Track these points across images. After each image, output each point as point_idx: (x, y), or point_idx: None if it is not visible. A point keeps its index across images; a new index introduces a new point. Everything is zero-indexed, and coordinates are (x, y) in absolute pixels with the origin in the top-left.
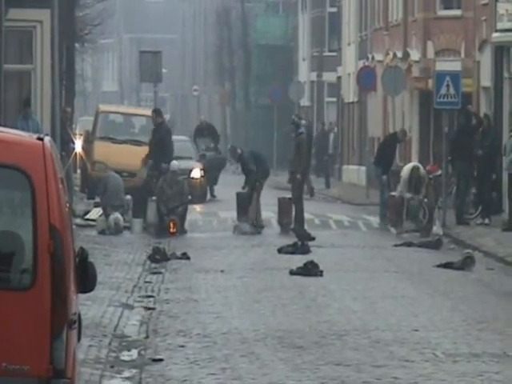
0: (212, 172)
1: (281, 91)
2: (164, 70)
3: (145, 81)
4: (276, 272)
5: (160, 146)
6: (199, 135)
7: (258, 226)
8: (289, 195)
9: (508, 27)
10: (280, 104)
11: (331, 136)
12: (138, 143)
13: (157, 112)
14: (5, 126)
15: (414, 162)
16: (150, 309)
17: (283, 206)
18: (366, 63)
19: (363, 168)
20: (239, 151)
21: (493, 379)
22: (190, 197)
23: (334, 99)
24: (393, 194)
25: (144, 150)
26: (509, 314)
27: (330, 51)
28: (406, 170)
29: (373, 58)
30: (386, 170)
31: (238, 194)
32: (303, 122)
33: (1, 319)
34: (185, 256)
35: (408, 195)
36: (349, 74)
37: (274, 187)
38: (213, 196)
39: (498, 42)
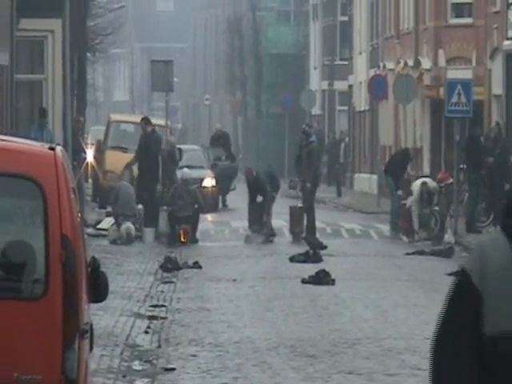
0: (224, 181)
1: (292, 100)
2: (175, 80)
3: (156, 90)
4: (288, 281)
5: (155, 155)
6: (215, 144)
7: (269, 235)
8: (300, 204)
9: None
10: (291, 113)
11: (342, 144)
12: None
13: (145, 120)
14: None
15: (423, 179)
16: (161, 318)
17: (295, 215)
18: (378, 71)
19: (375, 176)
20: (254, 174)
21: None
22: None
23: (346, 108)
24: (404, 202)
25: None
26: None
27: (341, 60)
28: (416, 186)
29: (384, 66)
30: (397, 183)
31: (249, 204)
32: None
33: (13, 329)
34: (196, 265)
35: (422, 213)
36: (360, 83)
37: (286, 196)
38: (224, 205)
39: (510, 50)
